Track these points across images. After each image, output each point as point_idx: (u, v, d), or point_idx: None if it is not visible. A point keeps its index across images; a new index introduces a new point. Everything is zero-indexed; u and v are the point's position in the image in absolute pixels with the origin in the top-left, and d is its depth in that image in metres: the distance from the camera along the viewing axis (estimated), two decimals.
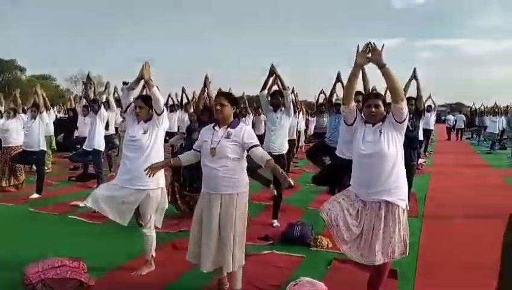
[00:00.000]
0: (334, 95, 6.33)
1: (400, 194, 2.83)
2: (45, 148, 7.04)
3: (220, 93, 3.26)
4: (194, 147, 3.23)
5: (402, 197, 2.85)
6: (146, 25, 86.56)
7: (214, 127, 3.14)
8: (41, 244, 4.41)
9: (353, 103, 2.96)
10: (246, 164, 3.17)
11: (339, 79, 5.97)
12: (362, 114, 3.01)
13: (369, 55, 2.79)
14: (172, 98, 11.79)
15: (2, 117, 8.33)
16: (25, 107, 7.98)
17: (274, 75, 5.30)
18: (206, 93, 5.67)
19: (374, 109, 2.89)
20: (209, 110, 5.23)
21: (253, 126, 11.24)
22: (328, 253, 4.08)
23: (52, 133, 9.75)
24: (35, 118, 6.76)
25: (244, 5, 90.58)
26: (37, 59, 73.89)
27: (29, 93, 7.88)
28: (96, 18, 79.40)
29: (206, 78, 5.50)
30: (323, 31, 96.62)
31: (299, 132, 12.92)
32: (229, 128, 3.06)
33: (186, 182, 5.41)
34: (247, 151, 3.04)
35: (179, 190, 5.43)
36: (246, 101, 12.29)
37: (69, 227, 5.10)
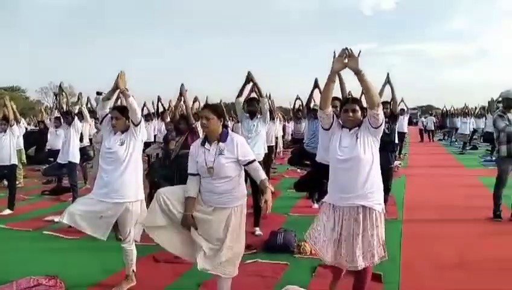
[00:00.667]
0: (312, 101, 6.40)
1: (376, 199, 2.86)
2: (16, 162, 6.79)
3: (205, 106, 3.19)
4: (189, 172, 3.07)
5: (378, 202, 2.87)
6: (118, 34, 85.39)
7: (202, 144, 3.03)
8: (14, 262, 4.23)
9: (330, 108, 2.96)
10: (244, 176, 3.11)
11: (316, 85, 6.04)
12: (339, 119, 3.03)
13: (346, 60, 2.80)
14: (147, 108, 11.63)
15: None
16: None
17: (251, 83, 5.30)
18: (182, 102, 5.61)
19: (351, 114, 2.91)
20: (186, 118, 5.17)
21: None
22: (312, 259, 4.05)
23: (22, 146, 9.43)
24: (5, 132, 6.52)
25: (214, 14, 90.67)
26: (3, 70, 71.64)
27: None
28: (66, 27, 77.86)
29: (182, 86, 5.44)
30: (295, 37, 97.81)
31: (277, 137, 12.97)
32: (220, 143, 2.98)
33: None
34: (244, 166, 3.00)
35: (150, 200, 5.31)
36: (224, 109, 12.23)
37: (44, 243, 4.93)
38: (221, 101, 12.58)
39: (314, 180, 5.04)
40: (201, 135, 4.28)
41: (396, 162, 10.63)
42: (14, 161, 6.64)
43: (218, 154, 2.94)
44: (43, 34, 76.78)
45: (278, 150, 13.23)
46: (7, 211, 6.39)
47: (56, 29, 78.51)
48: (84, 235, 3.75)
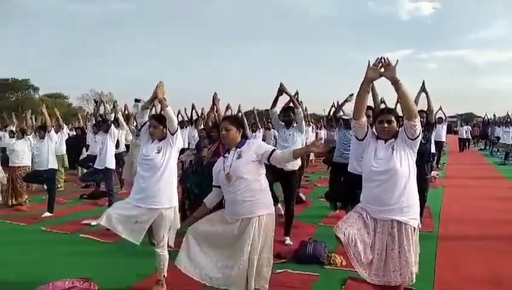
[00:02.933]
0: (341, 111, 6.35)
1: (412, 213, 2.76)
2: (55, 167, 7.08)
3: (225, 118, 3.26)
4: (213, 184, 3.16)
5: (414, 217, 2.78)
6: (155, 43, 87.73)
7: (223, 155, 3.12)
8: (52, 264, 4.40)
9: (364, 118, 2.90)
10: (267, 183, 3.07)
11: (347, 99, 5.98)
12: (374, 129, 2.97)
13: (382, 70, 2.73)
14: (182, 115, 11.88)
15: (13, 136, 8.47)
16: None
17: (284, 93, 5.30)
18: (215, 111, 5.69)
19: (386, 125, 2.84)
20: (218, 127, 5.23)
21: (263, 141, 11.24)
22: (342, 271, 3.99)
23: (64, 151, 9.84)
24: (43, 138, 6.83)
25: (248, 21, 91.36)
26: (49, 78, 75.21)
27: (38, 113, 8.01)
28: (106, 36, 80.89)
29: (215, 95, 5.53)
30: (330, 43, 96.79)
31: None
32: (237, 148, 3.03)
33: (197, 199, 5.37)
34: (268, 160, 2.97)
35: (189, 207, 5.39)
36: (256, 116, 12.31)
37: (80, 246, 5.09)
38: (254, 108, 12.73)
39: (347, 191, 4.96)
40: None
41: (434, 173, 10.31)
42: (52, 165, 6.91)
43: (236, 158, 2.98)
44: (83, 43, 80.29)
45: (310, 159, 13.14)
46: (47, 214, 6.67)
47: (96, 39, 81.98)
48: (118, 239, 3.86)
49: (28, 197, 7.63)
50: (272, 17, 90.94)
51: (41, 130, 6.92)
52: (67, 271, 3.91)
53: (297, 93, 5.95)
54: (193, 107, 11.24)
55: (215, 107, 5.56)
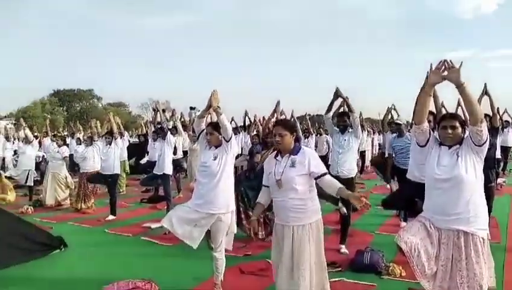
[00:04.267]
0: (389, 115, 6.21)
1: (479, 224, 2.62)
2: (119, 172, 7.49)
3: (278, 123, 3.26)
4: (263, 183, 3.22)
5: (482, 227, 2.63)
6: (211, 52, 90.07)
7: (275, 157, 3.12)
8: (115, 264, 4.66)
9: (426, 123, 2.80)
10: (316, 191, 3.09)
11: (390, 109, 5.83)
12: (436, 135, 2.86)
13: (445, 73, 2.60)
14: (235, 121, 12.09)
15: (80, 144, 9.07)
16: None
17: (339, 98, 5.24)
18: (275, 117, 5.77)
19: (450, 131, 2.73)
20: None
21: (316, 146, 11.15)
22: (401, 282, 3.86)
23: (126, 157, 10.36)
24: (110, 144, 7.25)
25: (303, 24, 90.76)
26: (110, 88, 79.83)
27: (104, 121, 8.50)
28: (166, 48, 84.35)
29: (278, 103, 5.61)
30: (388, 44, 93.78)
31: (364, 151, 12.58)
32: (291, 156, 3.02)
33: (250, 203, 5.44)
34: (315, 179, 2.99)
35: (244, 211, 5.47)
36: (308, 122, 12.23)
37: (141, 248, 5.33)
38: (306, 114, 12.65)
39: (405, 199, 4.79)
40: None
41: (500, 180, 9.70)
42: (117, 170, 7.35)
43: (288, 167, 2.98)
44: (143, 53, 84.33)
45: (365, 165, 12.83)
46: (110, 217, 7.06)
47: (156, 51, 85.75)
48: (177, 242, 4.01)
49: (94, 200, 8.12)
50: (328, 20, 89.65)
51: (109, 137, 7.35)
52: (129, 272, 4.12)
53: (347, 98, 5.87)
54: (246, 114, 11.43)
55: (275, 113, 5.64)
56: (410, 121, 4.60)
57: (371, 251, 4.36)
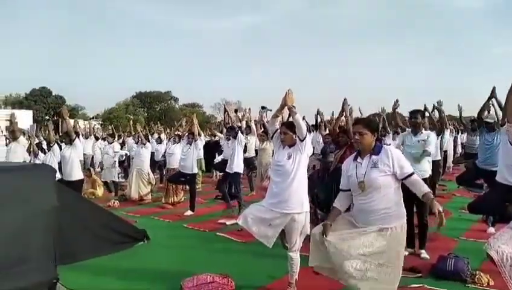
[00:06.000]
0: (485, 112, 5.74)
1: None
2: (197, 171, 7.81)
3: (358, 121, 3.13)
4: (340, 187, 3.15)
5: None
6: (279, 52, 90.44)
7: (355, 159, 3.02)
8: (193, 258, 4.88)
9: None
10: (402, 195, 2.95)
11: (493, 94, 5.36)
12: None
13: None
14: (306, 120, 11.99)
15: (161, 143, 9.61)
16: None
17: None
18: (343, 116, 5.62)
19: None
20: (347, 132, 5.17)
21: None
22: None
23: (202, 156, 10.79)
24: (191, 144, 7.59)
25: (372, 21, 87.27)
26: (186, 89, 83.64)
27: (187, 122, 8.93)
28: (236, 49, 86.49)
29: (345, 100, 5.47)
30: (473, 36, 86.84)
31: (446, 151, 11.81)
32: (372, 156, 2.92)
33: (322, 204, 5.35)
34: (402, 180, 2.86)
35: (314, 212, 5.41)
36: (385, 120, 11.75)
37: (217, 243, 5.51)
38: (381, 109, 12.14)
39: (494, 203, 4.42)
40: None
41: None
42: (195, 170, 7.70)
43: (370, 167, 2.87)
44: (216, 55, 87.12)
45: (447, 165, 12.06)
46: (189, 212, 7.40)
47: (229, 52, 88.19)
48: (251, 239, 4.09)
49: (183, 195, 8.57)
50: (411, 12, 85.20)
51: (191, 136, 7.71)
52: (206, 266, 4.29)
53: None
54: (318, 113, 11.27)
55: (344, 112, 5.50)
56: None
57: (455, 257, 4.10)
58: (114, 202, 8.40)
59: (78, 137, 6.95)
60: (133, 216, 7.22)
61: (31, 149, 7.83)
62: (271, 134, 3.91)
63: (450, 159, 12.37)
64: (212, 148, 12.44)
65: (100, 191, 9.53)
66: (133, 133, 11.53)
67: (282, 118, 6.04)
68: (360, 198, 2.93)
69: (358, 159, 2.99)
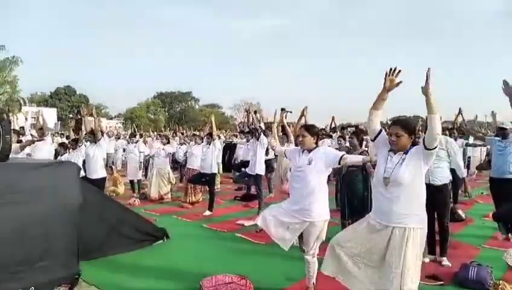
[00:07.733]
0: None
1: None
2: (216, 171, 7.87)
3: (395, 122, 3.03)
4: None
5: None
6: (299, 52, 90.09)
7: (389, 151, 2.97)
8: (212, 258, 4.91)
9: None
10: (425, 194, 2.89)
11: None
12: None
13: None
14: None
15: (184, 144, 9.73)
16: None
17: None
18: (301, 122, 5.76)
19: None
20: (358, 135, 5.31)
21: None
22: None
23: (221, 159, 10.89)
24: (209, 145, 7.65)
25: (406, 22, 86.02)
26: (206, 90, 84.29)
27: (206, 123, 9.04)
28: (257, 50, 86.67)
29: (305, 108, 5.59)
30: (496, 40, 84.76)
31: (469, 157, 11.58)
32: (404, 155, 2.88)
33: (345, 214, 5.19)
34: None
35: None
36: (414, 124, 11.71)
37: (236, 244, 5.53)
38: (419, 119, 12.04)
39: None
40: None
41: None
42: (215, 170, 7.73)
43: (399, 164, 2.83)
44: (236, 55, 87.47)
45: (469, 172, 11.81)
46: (208, 213, 7.44)
47: (248, 52, 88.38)
48: (269, 241, 4.09)
49: (202, 195, 8.65)
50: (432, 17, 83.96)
51: (209, 138, 7.78)
52: (224, 266, 4.31)
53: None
54: (333, 119, 11.59)
55: (303, 116, 5.64)
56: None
57: (477, 265, 4.01)
58: (135, 200, 8.54)
59: (103, 136, 7.09)
60: (153, 214, 7.32)
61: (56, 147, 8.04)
62: (283, 155, 4.06)
63: (474, 165, 12.11)
64: (230, 150, 12.56)
65: (121, 189, 9.70)
66: (154, 133, 11.74)
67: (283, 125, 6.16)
68: (382, 192, 2.89)
69: (391, 153, 2.94)
